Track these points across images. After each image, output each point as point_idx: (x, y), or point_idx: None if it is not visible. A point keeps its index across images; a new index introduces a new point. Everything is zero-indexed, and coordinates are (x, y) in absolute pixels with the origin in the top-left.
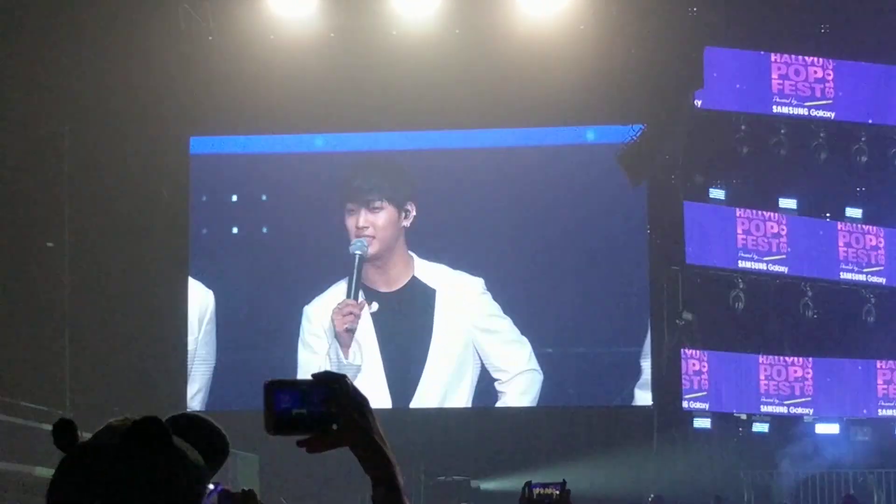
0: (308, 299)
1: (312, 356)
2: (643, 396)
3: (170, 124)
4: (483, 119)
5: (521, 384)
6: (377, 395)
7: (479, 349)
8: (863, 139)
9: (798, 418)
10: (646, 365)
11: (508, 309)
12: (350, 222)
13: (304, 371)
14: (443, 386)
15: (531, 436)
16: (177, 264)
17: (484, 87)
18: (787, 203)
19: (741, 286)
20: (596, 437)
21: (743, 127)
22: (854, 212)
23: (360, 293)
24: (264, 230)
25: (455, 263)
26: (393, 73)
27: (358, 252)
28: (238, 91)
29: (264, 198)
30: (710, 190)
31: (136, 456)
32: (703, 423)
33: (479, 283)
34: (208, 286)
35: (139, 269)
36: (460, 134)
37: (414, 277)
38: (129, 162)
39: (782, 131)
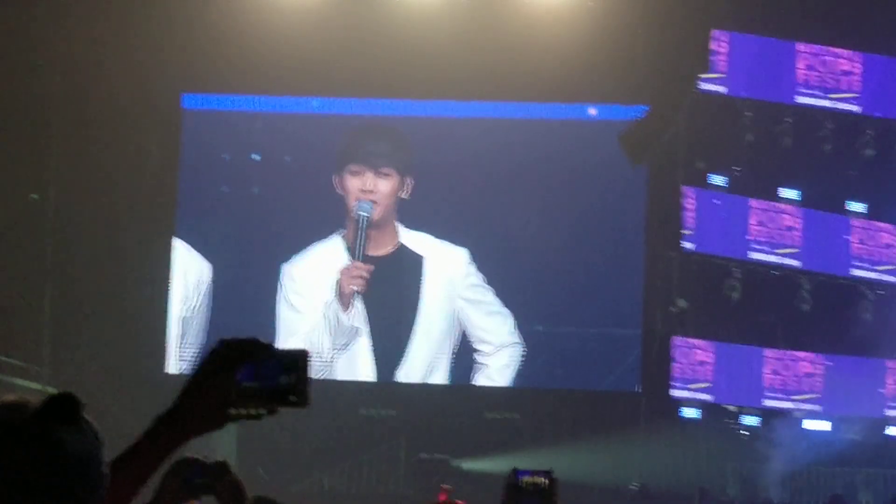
0: (287, 258)
1: (296, 316)
2: (631, 382)
3: (162, 79)
4: (483, 91)
5: (503, 357)
6: (362, 365)
7: (463, 320)
8: (869, 132)
9: (788, 413)
10: (636, 350)
11: (493, 281)
12: (353, 183)
13: (287, 331)
14: (428, 359)
15: (513, 416)
16: (163, 222)
17: (486, 58)
18: (789, 193)
19: (738, 275)
20: (581, 421)
21: (748, 114)
22: (857, 206)
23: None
24: (255, 190)
25: (439, 233)
26: (393, 39)
27: (364, 214)
28: (234, 49)
29: (256, 157)
30: (710, 176)
31: (50, 433)
32: (691, 412)
33: (463, 252)
34: (200, 249)
35: (124, 226)
36: (457, 104)
37: (401, 244)
38: (118, 116)
39: (788, 120)
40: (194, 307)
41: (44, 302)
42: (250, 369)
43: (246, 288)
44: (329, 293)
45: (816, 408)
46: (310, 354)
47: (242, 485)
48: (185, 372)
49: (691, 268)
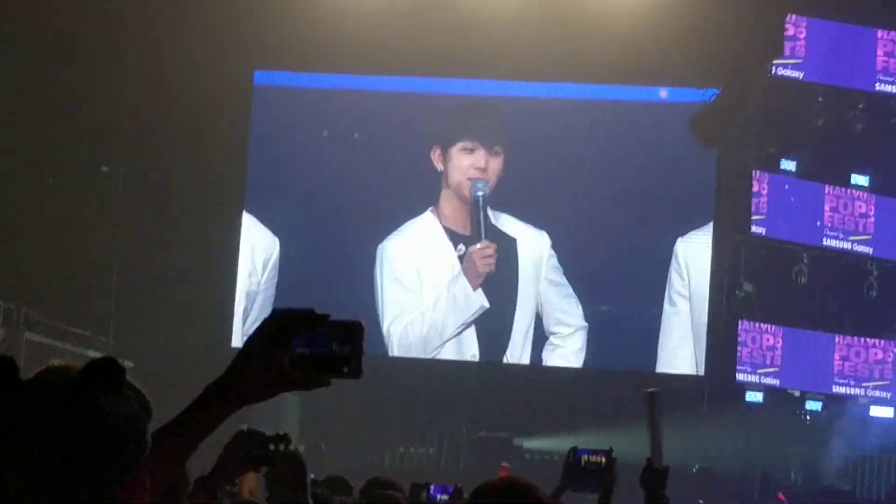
0: (382, 237)
1: (406, 294)
2: (695, 365)
3: (234, 56)
4: (555, 72)
5: (578, 339)
6: (467, 345)
7: (545, 302)
8: None
9: (853, 399)
10: (701, 333)
11: (567, 263)
12: (464, 160)
13: (396, 308)
14: (523, 339)
15: (577, 397)
16: (232, 197)
17: (560, 40)
18: (860, 179)
19: (805, 260)
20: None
21: (820, 99)
22: None
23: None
24: (331, 167)
25: (520, 215)
26: (467, 19)
27: (481, 193)
28: (307, 27)
29: (327, 133)
30: (782, 161)
31: (90, 395)
32: (755, 396)
33: (546, 236)
34: (269, 224)
35: (193, 200)
36: (531, 85)
37: (492, 226)
38: (190, 91)
39: (860, 106)
40: (260, 282)
41: (112, 274)
42: (304, 339)
43: (315, 264)
44: (447, 271)
45: (886, 394)
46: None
47: (302, 458)
48: None
49: (759, 252)
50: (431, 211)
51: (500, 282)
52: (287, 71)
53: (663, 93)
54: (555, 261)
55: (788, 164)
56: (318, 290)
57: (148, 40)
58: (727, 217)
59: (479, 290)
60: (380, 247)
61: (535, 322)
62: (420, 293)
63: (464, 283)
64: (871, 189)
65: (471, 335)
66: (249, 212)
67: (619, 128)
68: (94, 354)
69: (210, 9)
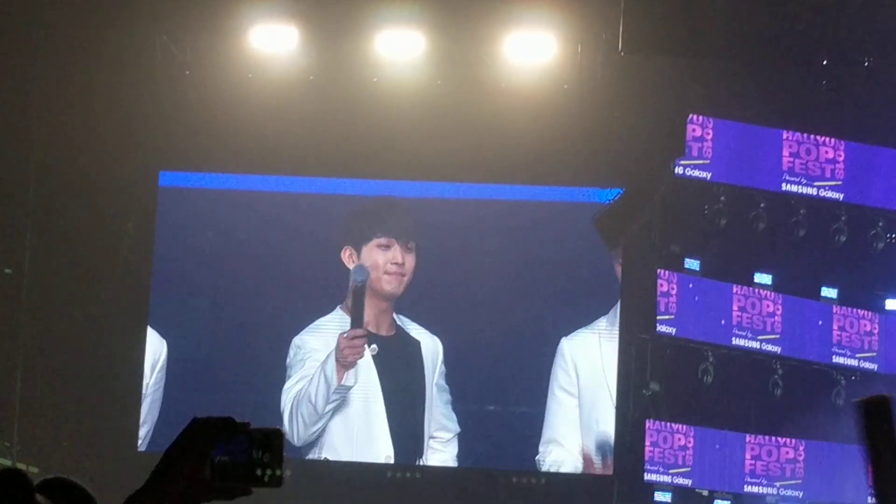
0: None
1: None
2: (603, 465)
3: (140, 156)
4: (457, 173)
5: (456, 446)
6: (381, 447)
7: (431, 406)
8: (843, 218)
9: (761, 498)
10: (592, 429)
11: (452, 366)
12: (380, 256)
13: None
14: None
15: (476, 499)
16: (138, 304)
17: (461, 140)
18: (763, 278)
19: (710, 360)
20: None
21: (722, 198)
22: (829, 291)
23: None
24: (231, 268)
25: (412, 315)
26: (370, 120)
27: (359, 279)
28: (212, 128)
29: (237, 235)
30: (686, 260)
31: None
32: (664, 496)
33: (439, 341)
34: (168, 328)
35: (98, 304)
36: (429, 185)
37: (399, 327)
38: (95, 192)
39: (762, 205)
40: (148, 384)
41: (15, 377)
42: (224, 447)
43: (206, 365)
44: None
45: (798, 493)
46: (283, 433)
47: None
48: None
49: (665, 351)
50: (341, 308)
51: (408, 383)
52: (193, 172)
53: (566, 193)
54: (443, 365)
55: (692, 263)
56: (211, 391)
57: (51, 138)
58: (633, 316)
59: (349, 374)
60: (293, 341)
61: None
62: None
63: (332, 363)
64: (774, 287)
65: (384, 435)
66: (153, 317)
67: (522, 228)
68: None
69: (113, 109)
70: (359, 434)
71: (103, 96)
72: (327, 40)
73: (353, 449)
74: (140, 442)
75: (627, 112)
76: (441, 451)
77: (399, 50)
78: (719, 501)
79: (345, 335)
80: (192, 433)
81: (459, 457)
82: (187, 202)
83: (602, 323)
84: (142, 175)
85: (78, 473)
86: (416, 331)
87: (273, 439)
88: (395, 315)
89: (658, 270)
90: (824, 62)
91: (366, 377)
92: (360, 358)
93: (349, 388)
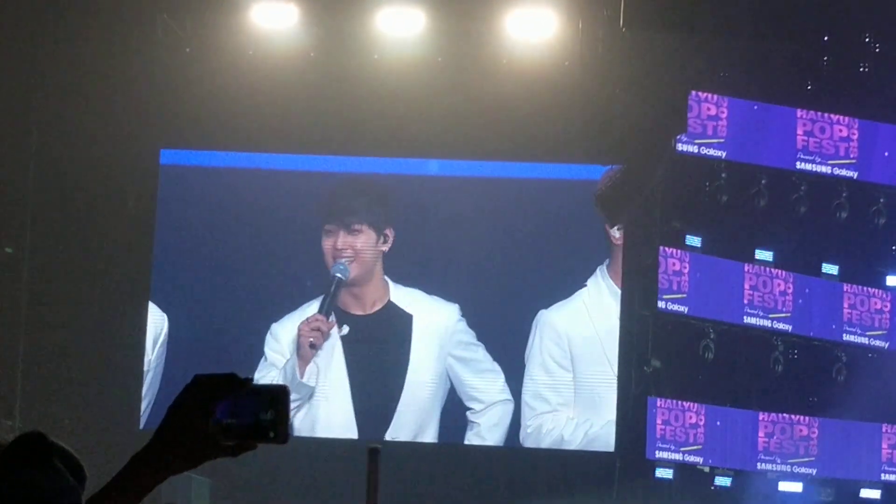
0: (277, 318)
1: (271, 372)
2: (605, 442)
3: (141, 134)
4: (461, 149)
5: (494, 415)
6: (343, 424)
7: (453, 378)
8: (844, 194)
9: (762, 474)
10: (611, 409)
11: (483, 337)
12: (327, 244)
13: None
14: (418, 418)
15: (489, 475)
16: (138, 281)
17: (462, 117)
18: (764, 255)
19: (711, 336)
20: (555, 481)
21: (723, 175)
22: (830, 268)
23: (332, 315)
24: (232, 247)
25: (430, 289)
26: (371, 97)
27: (339, 275)
28: (213, 105)
29: (235, 214)
30: (687, 236)
31: (19, 472)
32: (665, 473)
33: (454, 308)
34: (168, 303)
35: (100, 281)
36: (437, 162)
37: (390, 302)
38: (96, 170)
39: (763, 181)
40: (150, 360)
41: (17, 356)
42: (229, 405)
43: (220, 346)
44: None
45: (811, 471)
46: (289, 391)
47: None
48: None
49: (667, 328)
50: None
51: (385, 359)
52: (194, 150)
53: (568, 170)
54: (466, 336)
55: (693, 240)
56: (213, 366)
57: (51, 116)
58: (634, 293)
59: (309, 369)
60: (271, 327)
61: (450, 398)
62: (278, 370)
63: (294, 360)
64: (775, 264)
65: (348, 415)
66: (154, 293)
67: (526, 204)
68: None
69: (115, 86)
70: (325, 413)
71: (104, 75)
72: (328, 17)
73: (320, 427)
74: (141, 414)
75: (629, 88)
76: (476, 423)
77: (400, 26)
78: (720, 478)
79: (306, 320)
80: (195, 390)
81: (495, 428)
82: (188, 180)
83: (584, 295)
84: (143, 153)
85: (80, 451)
86: (419, 302)
87: (279, 397)
88: (391, 290)
89: (667, 248)
90: (825, 38)
91: (331, 360)
92: (321, 342)
93: (311, 388)
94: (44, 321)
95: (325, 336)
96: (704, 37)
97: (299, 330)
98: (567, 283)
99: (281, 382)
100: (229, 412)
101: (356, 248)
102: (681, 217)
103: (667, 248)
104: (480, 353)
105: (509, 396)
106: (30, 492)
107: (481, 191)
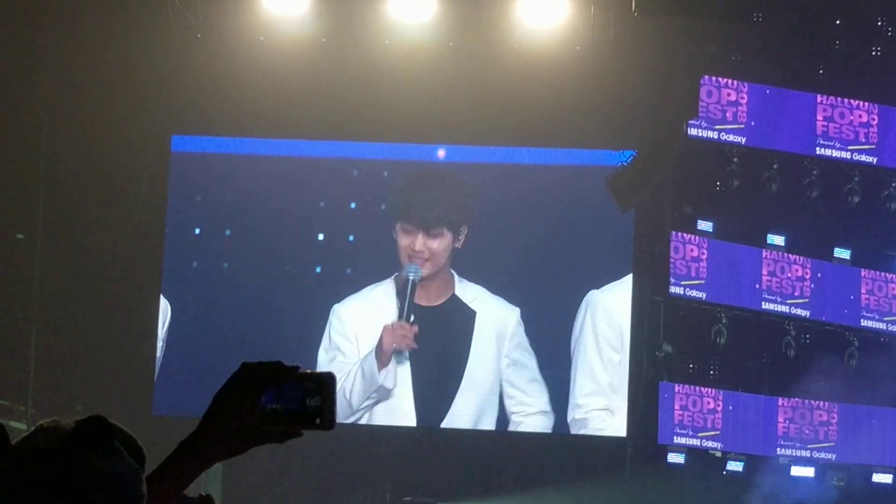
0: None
1: (341, 357)
2: (617, 427)
3: (152, 121)
4: (469, 135)
5: (538, 423)
6: (403, 411)
7: (505, 380)
8: (856, 179)
9: (774, 459)
10: (622, 395)
11: (537, 346)
12: (404, 242)
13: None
14: (474, 410)
15: (499, 459)
16: (150, 268)
17: (473, 103)
18: (776, 239)
19: (723, 321)
20: (566, 466)
21: (735, 160)
22: (842, 252)
23: (412, 317)
24: (241, 233)
25: (494, 288)
26: (383, 83)
27: (412, 277)
28: (224, 92)
29: (245, 200)
30: (699, 221)
31: (83, 456)
32: (676, 458)
33: (516, 312)
34: (180, 292)
35: (111, 268)
36: (445, 148)
37: (454, 295)
38: (107, 156)
39: (775, 166)
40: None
41: (29, 342)
42: (275, 392)
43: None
44: (370, 345)
45: (831, 456)
46: (335, 377)
47: None
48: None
49: (678, 313)
50: (394, 279)
51: (447, 351)
52: (205, 136)
53: (578, 156)
54: (523, 340)
55: (705, 225)
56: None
57: (62, 103)
58: (646, 278)
59: (390, 371)
60: (333, 308)
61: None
62: (350, 359)
63: (372, 359)
64: (787, 249)
65: (408, 400)
66: (165, 281)
67: (535, 191)
68: (15, 424)
69: (126, 73)
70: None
71: (115, 61)
72: (339, 3)
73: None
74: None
75: (640, 73)
76: (523, 423)
77: (411, 12)
78: (732, 462)
79: (391, 326)
80: (242, 377)
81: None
82: (199, 166)
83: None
84: (154, 140)
85: None
86: (482, 300)
87: (326, 383)
88: (456, 283)
89: (685, 235)
90: (837, 21)
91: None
92: (407, 349)
93: (389, 390)
94: (55, 307)
95: (413, 342)
96: (716, 21)
97: (382, 335)
98: (615, 265)
99: (361, 383)
100: (276, 398)
101: (435, 250)
102: (692, 202)
103: (684, 235)
104: (533, 361)
105: (550, 409)
106: (94, 475)
107: (490, 177)
